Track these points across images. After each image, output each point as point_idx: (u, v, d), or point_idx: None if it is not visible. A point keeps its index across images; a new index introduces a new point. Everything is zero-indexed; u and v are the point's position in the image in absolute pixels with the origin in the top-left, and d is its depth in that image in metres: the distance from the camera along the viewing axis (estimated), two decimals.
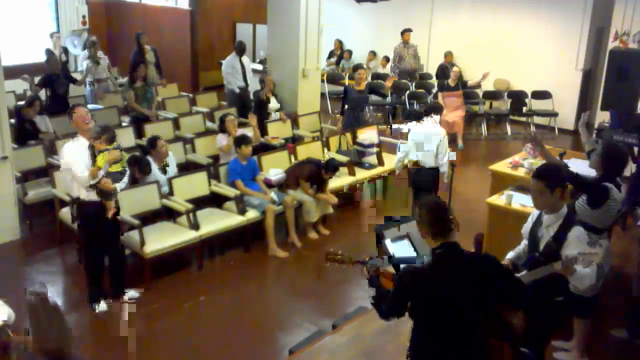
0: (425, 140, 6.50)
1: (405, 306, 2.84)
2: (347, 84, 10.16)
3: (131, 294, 5.48)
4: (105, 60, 10.05)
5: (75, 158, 4.97)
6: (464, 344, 2.78)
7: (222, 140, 7.35)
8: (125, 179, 5.25)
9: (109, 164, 4.98)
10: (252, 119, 7.96)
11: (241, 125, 7.99)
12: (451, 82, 10.42)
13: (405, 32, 11.41)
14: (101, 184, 5.00)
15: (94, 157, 4.97)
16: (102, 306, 5.34)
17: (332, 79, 12.77)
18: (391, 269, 3.30)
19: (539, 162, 5.65)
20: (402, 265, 3.10)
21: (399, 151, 6.86)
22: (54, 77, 8.69)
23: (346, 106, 8.67)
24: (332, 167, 6.82)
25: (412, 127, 6.83)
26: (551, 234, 3.65)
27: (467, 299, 2.72)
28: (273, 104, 8.81)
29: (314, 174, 6.82)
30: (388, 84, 9.60)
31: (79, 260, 6.15)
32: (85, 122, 5.04)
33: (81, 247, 5.82)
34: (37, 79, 8.87)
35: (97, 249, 5.30)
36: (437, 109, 6.93)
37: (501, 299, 2.88)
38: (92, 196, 5.07)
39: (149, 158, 6.50)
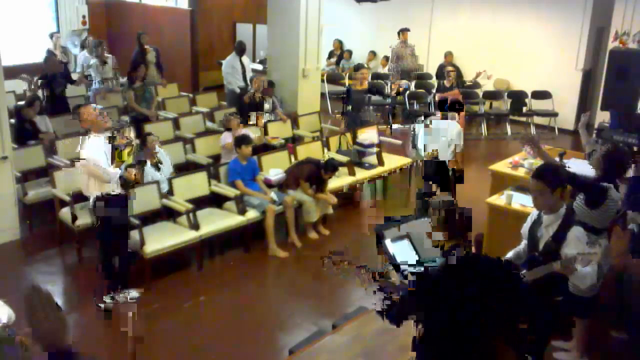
0: (442, 131, 6.65)
1: (413, 310, 2.82)
2: (348, 84, 10.16)
3: (132, 294, 5.47)
4: (112, 59, 10.05)
5: (101, 156, 5.04)
6: (473, 347, 2.77)
7: (227, 137, 7.36)
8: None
9: (130, 157, 5.11)
10: (260, 120, 7.98)
11: (245, 125, 7.96)
12: (447, 82, 10.40)
13: (403, 31, 11.40)
14: (128, 175, 5.13)
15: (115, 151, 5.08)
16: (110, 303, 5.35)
17: (332, 79, 12.77)
18: (393, 274, 3.26)
19: (539, 162, 5.65)
20: (404, 267, 3.06)
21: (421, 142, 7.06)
22: (51, 77, 8.69)
23: (349, 107, 8.66)
24: (331, 167, 6.82)
25: (433, 118, 7.03)
26: (550, 234, 3.65)
27: (478, 302, 2.71)
28: (267, 105, 8.76)
29: (314, 174, 6.82)
30: (395, 86, 9.59)
31: (79, 260, 6.16)
32: (104, 121, 5.13)
33: (101, 244, 5.66)
34: (35, 79, 8.87)
35: (118, 243, 5.34)
36: (453, 105, 7.05)
37: (512, 304, 2.87)
38: (117, 189, 5.17)
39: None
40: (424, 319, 2.79)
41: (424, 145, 7.01)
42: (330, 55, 13.92)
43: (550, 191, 3.58)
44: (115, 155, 5.04)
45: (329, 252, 3.53)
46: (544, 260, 3.57)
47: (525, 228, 3.93)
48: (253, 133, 7.62)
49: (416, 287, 2.77)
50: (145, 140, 6.55)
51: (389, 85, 11.63)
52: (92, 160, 5.03)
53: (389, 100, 11.17)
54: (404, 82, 10.75)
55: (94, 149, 5.05)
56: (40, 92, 8.74)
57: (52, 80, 8.68)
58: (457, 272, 2.72)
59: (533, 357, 3.39)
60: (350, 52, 13.66)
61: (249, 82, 9.87)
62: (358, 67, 9.63)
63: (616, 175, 4.29)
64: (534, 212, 3.90)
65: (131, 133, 5.38)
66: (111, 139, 5.07)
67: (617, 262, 4.88)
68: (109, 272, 5.43)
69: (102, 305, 5.32)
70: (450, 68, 10.55)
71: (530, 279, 3.60)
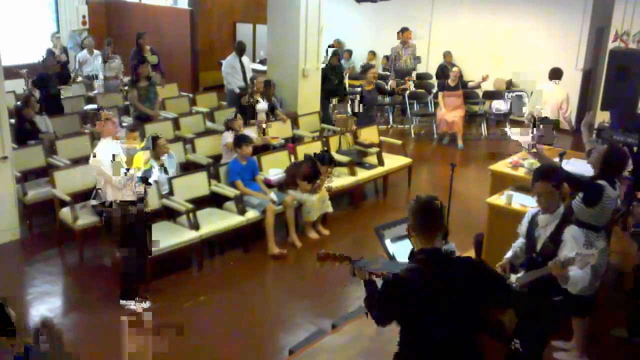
0: (545, 93, 8.51)
1: (393, 313, 2.81)
2: (361, 84, 10.23)
3: (145, 304, 5.39)
4: (117, 59, 10.06)
5: (107, 162, 5.05)
6: (451, 346, 2.77)
7: (228, 137, 7.36)
8: (153, 174, 5.37)
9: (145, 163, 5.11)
10: (262, 119, 8.00)
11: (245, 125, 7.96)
12: (451, 82, 10.44)
13: (405, 31, 11.38)
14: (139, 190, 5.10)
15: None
16: (144, 304, 5.32)
17: None
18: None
19: (538, 162, 5.65)
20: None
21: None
22: (47, 77, 8.68)
23: (360, 107, 8.73)
24: (328, 159, 6.83)
25: (540, 86, 8.92)
26: (548, 234, 3.65)
27: (449, 303, 2.70)
28: (261, 105, 8.75)
29: (312, 172, 6.82)
30: (408, 84, 9.66)
31: (79, 260, 6.17)
32: (115, 127, 5.24)
33: (118, 248, 5.61)
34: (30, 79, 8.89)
35: (133, 249, 5.27)
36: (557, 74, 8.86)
37: (488, 301, 2.86)
38: (129, 197, 5.11)
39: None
40: (400, 320, 2.79)
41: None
42: None
43: (556, 190, 3.59)
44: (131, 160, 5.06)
45: (316, 255, 3.48)
46: (543, 261, 3.57)
47: (521, 227, 3.93)
48: (253, 133, 7.63)
49: (386, 292, 2.76)
50: (156, 144, 6.52)
51: (388, 84, 11.63)
52: (100, 163, 5.08)
53: (387, 100, 11.19)
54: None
55: (103, 151, 5.09)
56: (36, 92, 8.74)
57: (47, 80, 8.67)
58: (424, 274, 2.71)
59: (525, 351, 3.39)
60: (350, 52, 13.65)
61: (249, 82, 9.88)
62: (367, 68, 9.69)
63: (613, 173, 4.29)
64: (529, 212, 3.90)
65: (142, 135, 5.37)
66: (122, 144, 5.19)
67: (617, 262, 4.88)
68: (128, 274, 5.36)
69: (132, 306, 5.28)
70: (455, 69, 10.57)
71: (529, 280, 3.59)
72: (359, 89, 9.99)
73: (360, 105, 8.89)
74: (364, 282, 3.11)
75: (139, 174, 5.08)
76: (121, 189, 5.06)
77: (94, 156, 5.23)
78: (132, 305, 5.30)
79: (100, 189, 5.37)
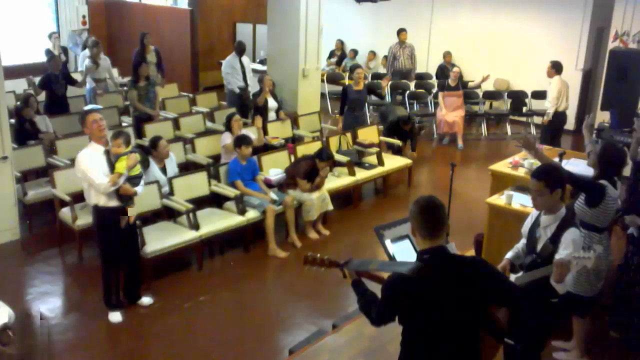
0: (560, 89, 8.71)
1: (395, 313, 2.81)
2: (346, 84, 10.19)
3: (147, 300, 5.42)
4: (106, 60, 10.02)
5: (91, 166, 4.81)
6: (454, 345, 2.78)
7: (227, 138, 7.36)
8: (142, 182, 5.12)
9: (129, 169, 4.86)
10: (258, 121, 7.97)
11: (244, 125, 7.97)
12: (451, 82, 10.46)
13: (401, 31, 11.41)
14: (123, 190, 4.88)
15: (110, 163, 4.84)
16: (116, 317, 5.19)
17: (332, 79, 12.77)
18: (380, 273, 3.22)
19: (539, 162, 5.64)
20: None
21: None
22: (52, 77, 8.69)
23: (346, 107, 8.70)
24: (326, 155, 6.83)
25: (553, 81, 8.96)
26: (549, 235, 3.65)
27: (456, 302, 2.71)
28: (272, 103, 8.79)
29: (310, 170, 6.82)
30: (384, 83, 9.67)
31: (79, 260, 6.18)
32: (100, 129, 4.86)
33: (100, 253, 5.41)
34: (37, 80, 8.86)
35: (115, 255, 5.14)
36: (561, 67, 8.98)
37: (490, 300, 2.87)
38: (113, 202, 4.91)
39: (150, 158, 6.49)
40: (403, 320, 2.79)
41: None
42: (331, 55, 13.92)
43: (549, 191, 3.58)
44: (110, 166, 4.83)
45: (304, 257, 3.47)
46: (542, 261, 3.57)
47: (525, 227, 3.93)
48: (252, 134, 7.62)
49: (390, 291, 2.77)
50: (157, 146, 6.51)
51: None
52: (83, 173, 4.84)
53: (385, 101, 11.20)
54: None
55: (90, 156, 4.86)
56: (42, 93, 8.72)
57: (53, 80, 8.68)
58: (430, 273, 2.72)
59: (517, 345, 3.38)
60: (355, 52, 13.64)
61: (249, 82, 9.88)
62: (354, 68, 9.70)
63: (613, 172, 4.30)
64: (533, 212, 3.90)
65: (127, 141, 4.96)
66: (106, 151, 4.89)
67: (617, 263, 4.88)
68: (107, 283, 5.23)
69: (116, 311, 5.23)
70: (455, 69, 10.58)
71: (528, 280, 3.59)
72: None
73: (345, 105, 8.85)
74: (352, 283, 3.11)
75: (123, 180, 4.85)
76: (104, 195, 4.86)
77: (75, 160, 4.96)
78: (112, 316, 5.20)
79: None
